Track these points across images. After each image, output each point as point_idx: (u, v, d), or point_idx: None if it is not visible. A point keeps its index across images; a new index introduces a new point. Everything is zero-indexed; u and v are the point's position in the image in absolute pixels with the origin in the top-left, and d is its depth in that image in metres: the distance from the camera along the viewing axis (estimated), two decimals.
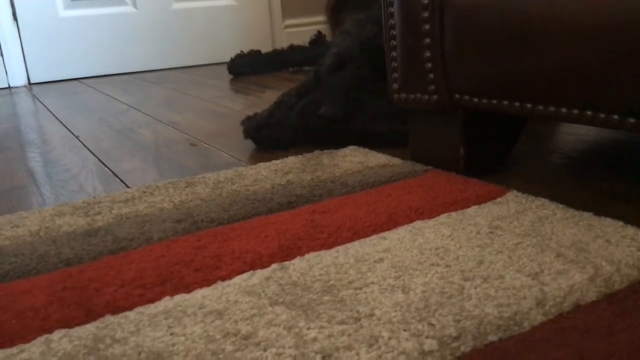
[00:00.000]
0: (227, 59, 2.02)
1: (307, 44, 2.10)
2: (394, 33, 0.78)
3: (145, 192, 0.74)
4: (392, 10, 0.77)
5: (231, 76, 1.98)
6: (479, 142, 0.78)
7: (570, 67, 0.60)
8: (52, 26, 2.10)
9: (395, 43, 0.78)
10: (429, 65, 0.75)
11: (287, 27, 2.55)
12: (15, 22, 2.04)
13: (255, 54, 2.03)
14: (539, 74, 0.63)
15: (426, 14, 0.72)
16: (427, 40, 0.74)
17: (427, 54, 0.74)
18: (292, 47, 2.07)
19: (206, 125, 1.23)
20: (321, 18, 2.60)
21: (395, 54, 0.79)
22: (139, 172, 0.90)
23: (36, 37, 2.08)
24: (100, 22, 2.18)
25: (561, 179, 0.75)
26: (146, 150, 1.04)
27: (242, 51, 2.03)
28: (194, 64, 2.36)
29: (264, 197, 0.70)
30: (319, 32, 2.12)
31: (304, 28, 2.53)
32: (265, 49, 2.17)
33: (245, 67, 1.97)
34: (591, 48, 0.57)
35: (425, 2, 0.72)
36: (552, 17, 0.60)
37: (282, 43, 2.42)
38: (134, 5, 2.24)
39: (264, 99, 1.49)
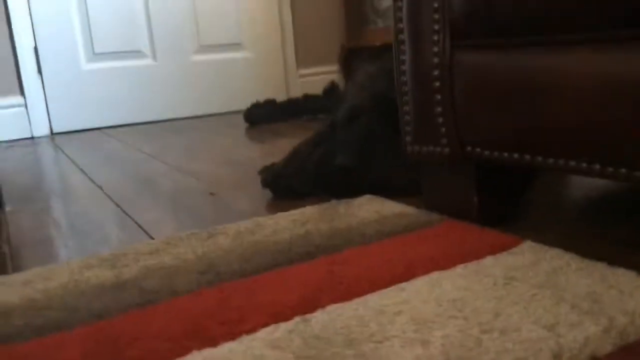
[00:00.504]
0: (244, 107, 2.08)
1: (321, 94, 2.15)
2: (406, 89, 0.82)
3: (169, 244, 0.76)
4: (403, 68, 0.81)
5: (247, 124, 2.03)
6: (493, 191, 0.80)
7: (576, 123, 0.62)
8: (74, 78, 2.18)
9: (407, 98, 0.82)
10: (441, 119, 0.78)
11: (301, 76, 2.63)
12: (39, 75, 2.12)
13: (270, 103, 2.08)
14: (548, 129, 0.65)
15: (436, 72, 0.76)
16: (438, 97, 0.77)
17: (439, 109, 0.77)
18: (306, 97, 2.12)
19: (224, 173, 1.26)
20: (334, 67, 2.67)
21: (407, 108, 0.83)
22: (161, 223, 0.93)
23: (59, 89, 2.16)
24: (121, 74, 2.26)
25: (574, 228, 0.77)
26: (167, 200, 1.08)
27: (257, 100, 2.09)
28: (212, 112, 2.42)
29: (283, 248, 0.72)
30: (333, 82, 2.17)
31: (318, 77, 2.59)
32: (280, 97, 2.23)
33: (261, 116, 2.02)
34: (596, 105, 0.60)
35: (436, 61, 0.76)
36: (558, 76, 0.63)
37: (297, 92, 2.49)
38: (154, 58, 2.32)
39: (279, 147, 1.53)
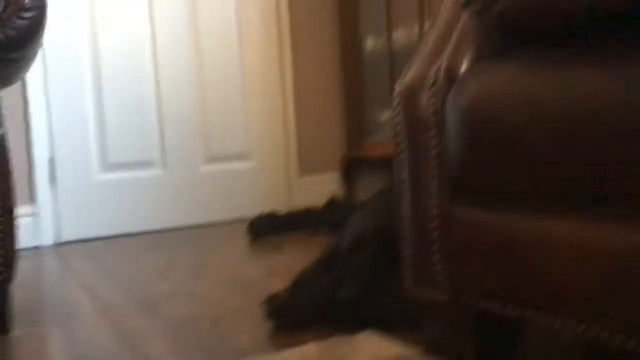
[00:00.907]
0: (248, 214, 2.14)
1: (322, 207, 2.23)
2: (406, 235, 0.87)
3: None
4: (405, 215, 0.87)
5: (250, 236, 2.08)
6: (489, 338, 0.83)
7: (561, 286, 0.67)
8: (86, 189, 2.26)
9: (407, 244, 0.87)
10: (438, 267, 0.82)
11: (303, 184, 2.71)
12: (52, 184, 2.21)
13: (273, 215, 2.15)
14: (538, 286, 0.70)
15: (435, 223, 0.82)
16: (436, 245, 0.82)
17: (437, 257, 0.82)
18: (307, 210, 2.19)
19: (228, 297, 1.29)
20: (335, 175, 2.76)
21: (407, 253, 0.88)
22: (165, 355, 0.95)
23: (70, 198, 2.23)
24: (132, 184, 2.34)
25: None
26: (168, 328, 1.10)
27: (261, 213, 2.16)
28: (217, 220, 2.48)
29: None
30: (333, 196, 2.26)
31: (320, 185, 2.68)
32: (284, 204, 2.29)
33: (264, 229, 2.08)
34: (578, 271, 0.64)
35: (434, 213, 0.82)
36: (539, 237, 0.68)
37: (299, 200, 2.56)
38: (164, 168, 2.41)
39: (282, 264, 1.57)
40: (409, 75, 0.88)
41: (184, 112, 2.44)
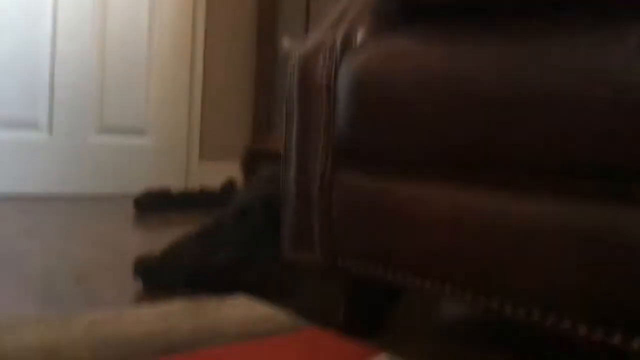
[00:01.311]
0: (137, 192, 2.03)
1: (218, 189, 2.17)
2: (289, 198, 0.85)
3: (14, 327, 0.71)
4: (289, 178, 0.85)
5: (136, 211, 1.98)
6: (360, 303, 0.83)
7: (429, 248, 0.68)
8: None
9: (288, 206, 0.86)
10: (317, 230, 0.81)
11: (202, 169, 2.64)
12: None
13: (164, 193, 2.06)
14: (407, 250, 0.71)
15: (317, 185, 0.81)
16: (316, 208, 0.81)
17: (316, 219, 0.81)
18: (202, 190, 2.12)
19: (97, 258, 1.21)
20: (235, 165, 2.72)
21: (288, 215, 0.86)
22: (16, 304, 0.86)
23: None
24: (12, 144, 2.16)
25: (433, 345, 0.80)
26: (28, 280, 1.01)
27: (151, 187, 2.06)
28: (103, 192, 2.34)
29: (139, 342, 0.69)
30: (230, 178, 2.21)
31: (218, 172, 2.62)
32: (178, 187, 2.21)
33: (152, 204, 1.99)
34: (447, 234, 0.66)
35: (317, 177, 0.81)
36: (414, 203, 0.69)
37: (196, 184, 2.49)
38: (50, 131, 2.25)
39: (163, 237, 1.50)
40: (308, 42, 0.87)
41: (80, 73, 2.29)
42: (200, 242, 1.09)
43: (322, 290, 0.84)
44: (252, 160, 2.77)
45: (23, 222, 1.61)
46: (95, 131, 2.35)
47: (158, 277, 1.00)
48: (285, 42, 2.69)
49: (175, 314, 0.81)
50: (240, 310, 0.86)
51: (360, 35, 0.82)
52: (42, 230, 1.50)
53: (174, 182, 2.45)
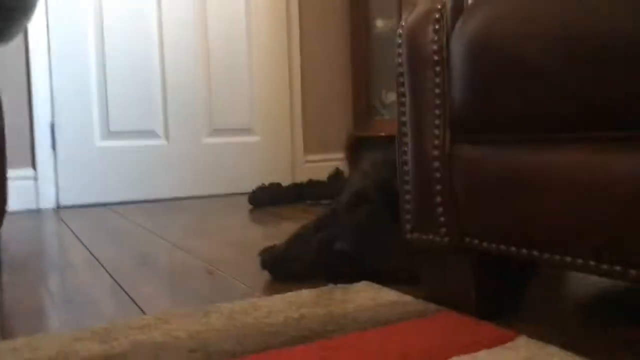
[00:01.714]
0: (249, 190, 2.11)
1: (325, 179, 2.19)
2: (407, 178, 0.84)
3: (161, 320, 0.76)
4: (405, 158, 0.84)
5: (251, 207, 2.05)
6: (491, 283, 0.80)
7: (569, 219, 0.63)
8: (87, 155, 2.24)
9: (408, 187, 0.84)
10: (440, 209, 0.79)
11: (307, 162, 2.68)
12: (53, 150, 2.18)
13: (275, 187, 2.12)
14: (541, 224, 0.66)
15: (437, 164, 0.78)
16: (438, 187, 0.79)
17: (438, 199, 0.79)
18: (310, 182, 2.16)
19: (224, 253, 1.26)
20: (340, 155, 2.74)
21: (408, 197, 0.84)
22: (156, 299, 0.92)
23: (71, 163, 2.21)
24: (133, 153, 2.32)
25: (571, 324, 0.76)
26: (164, 276, 1.07)
27: (263, 183, 2.12)
28: (218, 193, 2.45)
29: (277, 331, 0.71)
30: (337, 169, 2.22)
31: (323, 164, 2.65)
32: (286, 181, 2.27)
33: (266, 199, 2.05)
34: (588, 202, 0.61)
35: (436, 154, 0.78)
36: (552, 172, 0.65)
37: (302, 177, 2.53)
38: (167, 138, 2.39)
39: (281, 230, 1.54)
40: (415, 12, 0.84)
41: (188, 83, 2.41)
42: (320, 231, 1.11)
43: (448, 273, 0.82)
44: (356, 148, 2.78)
45: (150, 224, 1.72)
46: (206, 134, 2.46)
47: (283, 268, 1.02)
48: (380, 23, 2.66)
49: (306, 303, 0.83)
50: (368, 296, 0.86)
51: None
52: (168, 230, 1.60)
53: (282, 176, 2.51)
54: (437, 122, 0.79)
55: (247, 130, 2.55)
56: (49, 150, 2.18)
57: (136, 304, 0.89)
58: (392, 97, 2.67)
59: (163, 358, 0.62)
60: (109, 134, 2.29)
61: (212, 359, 0.62)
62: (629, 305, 0.85)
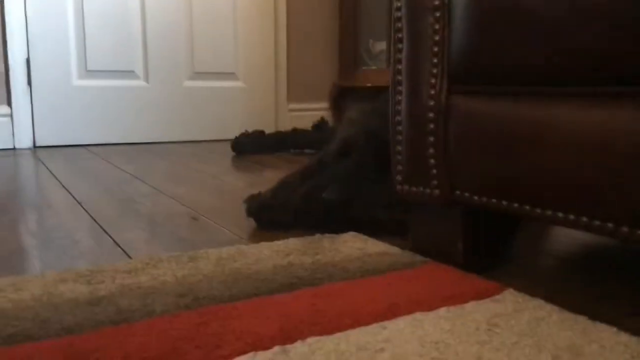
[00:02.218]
0: (232, 137, 2.08)
1: (309, 128, 2.17)
2: (400, 129, 0.82)
3: (148, 264, 0.75)
4: (399, 108, 0.82)
5: (234, 154, 2.03)
6: (478, 237, 0.80)
7: (565, 174, 0.63)
8: (64, 93, 2.17)
9: (400, 138, 0.83)
10: (432, 161, 0.78)
11: (291, 110, 2.65)
12: (29, 86, 2.11)
13: (259, 134, 2.09)
14: (536, 179, 0.66)
15: (432, 115, 0.77)
16: (431, 139, 0.78)
17: (431, 150, 0.78)
18: (295, 130, 2.13)
19: (208, 199, 1.25)
20: (324, 105, 2.70)
21: (400, 148, 0.83)
22: (141, 243, 0.91)
23: (47, 102, 2.15)
24: (112, 93, 2.26)
25: (557, 279, 0.77)
26: (148, 221, 1.06)
27: (246, 130, 2.09)
28: (199, 139, 2.42)
29: (265, 278, 0.71)
30: (322, 118, 2.19)
31: (307, 113, 2.62)
32: (269, 129, 2.24)
33: (249, 146, 2.02)
34: (584, 158, 0.61)
35: (431, 104, 0.77)
36: (548, 127, 0.64)
37: (286, 125, 2.51)
38: (146, 80, 2.32)
39: (264, 178, 1.53)
40: None
41: (170, 23, 2.33)
42: (306, 180, 1.10)
43: (436, 225, 0.82)
44: (342, 98, 2.75)
45: (131, 167, 1.69)
46: (188, 77, 2.40)
47: (269, 216, 1.02)
48: None
49: (293, 251, 0.82)
50: (356, 246, 0.86)
51: None
52: (149, 174, 1.58)
53: (265, 124, 2.48)
54: (434, 70, 0.77)
55: (230, 75, 2.49)
56: (25, 87, 2.10)
57: (120, 247, 0.88)
58: (379, 47, 2.62)
59: (151, 302, 0.62)
60: (86, 72, 2.21)
61: (201, 304, 0.62)
62: (616, 263, 0.86)
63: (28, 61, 2.10)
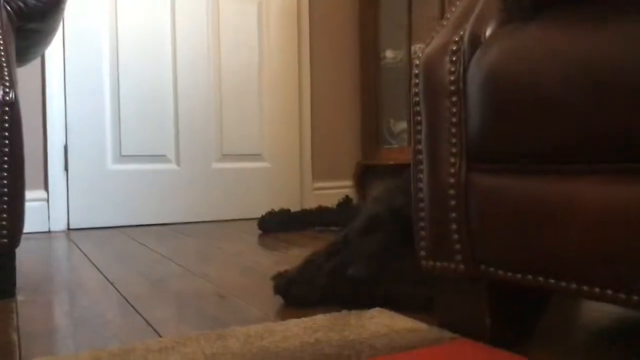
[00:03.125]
0: (258, 216, 2.12)
1: (334, 206, 2.20)
2: (422, 205, 0.85)
3: (178, 343, 0.76)
4: (420, 185, 0.85)
5: (260, 232, 2.06)
6: (506, 312, 0.80)
7: (587, 249, 0.64)
8: (99, 178, 2.27)
9: (423, 215, 0.85)
10: (456, 236, 0.80)
11: (315, 189, 2.70)
12: (65, 171, 2.21)
13: (285, 213, 2.13)
14: (559, 253, 0.67)
15: (452, 192, 0.79)
16: (453, 215, 0.80)
17: (454, 226, 0.80)
18: (320, 208, 2.17)
19: (236, 278, 1.27)
20: (348, 182, 2.75)
21: (423, 224, 0.85)
22: (171, 322, 0.93)
23: (83, 186, 2.23)
24: (144, 177, 2.34)
25: (587, 353, 0.75)
26: (177, 300, 1.08)
27: (272, 209, 2.13)
28: (227, 218, 2.47)
29: (293, 355, 0.71)
30: (347, 196, 2.23)
31: (332, 191, 2.66)
32: (295, 208, 2.28)
33: (275, 225, 2.06)
34: (606, 232, 0.62)
35: (452, 181, 0.79)
36: (569, 202, 0.66)
37: (311, 203, 2.54)
38: (177, 163, 2.41)
39: (291, 256, 1.55)
40: (432, 43, 0.86)
41: (200, 109, 2.45)
42: (332, 257, 1.11)
43: (462, 300, 0.82)
44: (365, 176, 2.80)
45: (162, 248, 1.73)
46: (216, 159, 2.49)
47: (296, 293, 1.03)
48: (389, 54, 2.70)
49: (320, 328, 0.83)
50: (382, 322, 0.86)
51: (488, 32, 0.80)
52: (179, 254, 1.61)
53: (290, 203, 2.52)
54: (453, 150, 0.80)
55: (256, 156, 2.57)
56: (62, 172, 2.20)
57: (151, 326, 0.90)
58: (400, 126, 2.69)
59: None
60: (121, 157, 2.31)
61: None
62: None
63: (66, 147, 2.21)
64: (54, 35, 1.39)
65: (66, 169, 2.21)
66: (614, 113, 0.61)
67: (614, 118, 0.61)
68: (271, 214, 2.10)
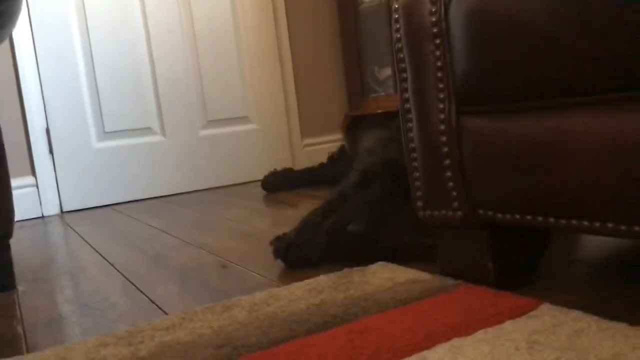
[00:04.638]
0: (250, 179, 2.11)
1: (327, 161, 2.19)
2: (415, 155, 0.83)
3: (184, 319, 0.76)
4: (411, 135, 0.83)
5: (264, 193, 2.06)
6: (507, 254, 0.80)
7: (584, 183, 0.63)
8: (85, 157, 2.23)
9: (416, 164, 0.83)
10: (451, 183, 0.79)
11: (306, 145, 2.67)
12: (51, 155, 2.17)
13: (288, 171, 2.14)
14: (558, 190, 0.66)
15: (444, 138, 0.78)
16: (447, 162, 0.78)
17: (448, 173, 0.79)
18: (323, 164, 2.16)
19: (235, 245, 1.27)
20: (338, 136, 2.73)
21: (417, 174, 0.84)
22: (175, 297, 0.93)
23: (70, 168, 2.20)
24: (131, 151, 2.31)
25: (591, 288, 0.76)
26: (179, 274, 1.08)
27: (275, 169, 2.14)
28: (218, 185, 2.45)
29: (300, 319, 0.71)
30: (342, 146, 2.22)
31: (322, 146, 2.64)
32: (286, 167, 2.27)
33: (279, 184, 2.07)
34: (601, 165, 0.61)
35: (442, 128, 0.78)
36: (562, 137, 0.64)
37: (302, 161, 2.53)
38: (163, 134, 2.38)
39: (290, 217, 1.54)
40: None
41: (179, 76, 2.39)
42: (329, 215, 1.10)
43: (463, 246, 0.82)
44: (355, 127, 2.77)
45: (157, 222, 1.72)
46: (202, 127, 2.45)
47: (296, 255, 1.02)
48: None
49: (325, 288, 0.83)
50: (386, 276, 0.86)
51: None
52: (174, 226, 1.60)
53: (281, 162, 2.51)
54: (441, 95, 0.78)
55: (243, 119, 2.53)
56: (47, 155, 2.17)
57: (156, 305, 0.90)
58: (385, 73, 2.65)
59: (191, 356, 0.63)
60: (105, 134, 2.27)
61: (240, 353, 0.63)
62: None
63: (47, 130, 2.17)
64: (18, 15, 1.33)
65: (51, 152, 2.17)
66: (601, 38, 0.59)
67: (601, 43, 0.59)
68: (274, 174, 2.11)
